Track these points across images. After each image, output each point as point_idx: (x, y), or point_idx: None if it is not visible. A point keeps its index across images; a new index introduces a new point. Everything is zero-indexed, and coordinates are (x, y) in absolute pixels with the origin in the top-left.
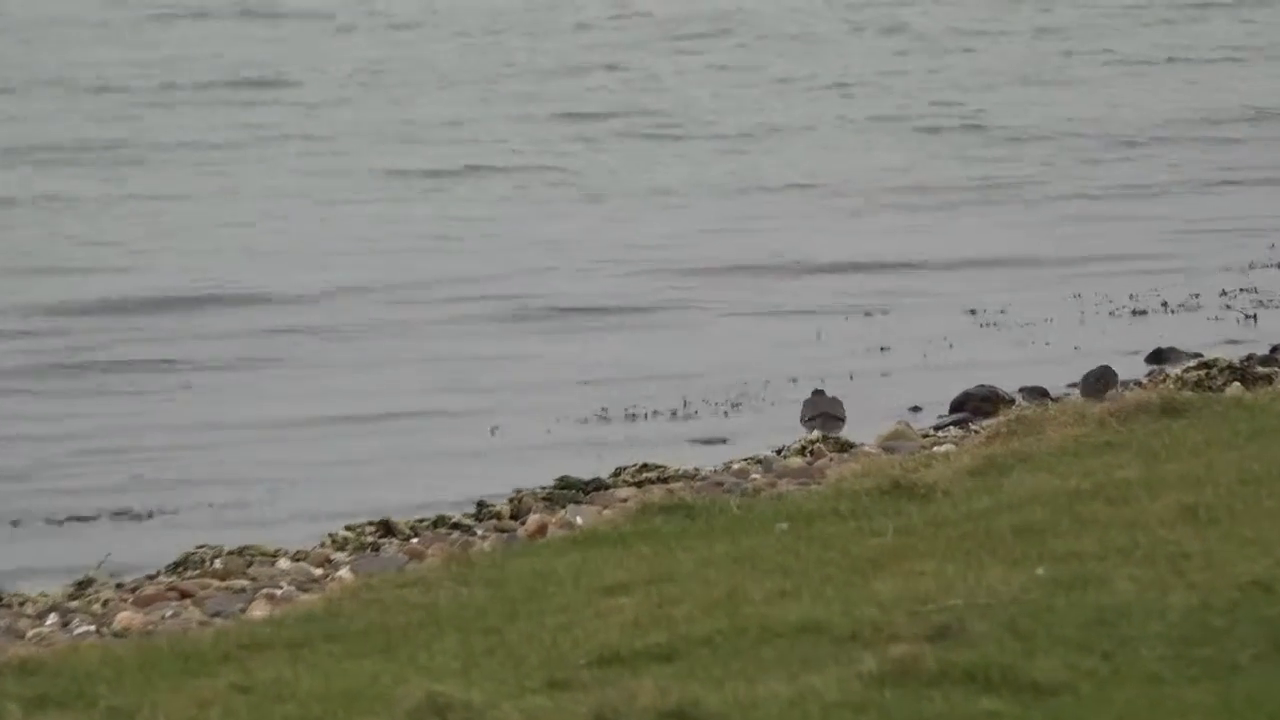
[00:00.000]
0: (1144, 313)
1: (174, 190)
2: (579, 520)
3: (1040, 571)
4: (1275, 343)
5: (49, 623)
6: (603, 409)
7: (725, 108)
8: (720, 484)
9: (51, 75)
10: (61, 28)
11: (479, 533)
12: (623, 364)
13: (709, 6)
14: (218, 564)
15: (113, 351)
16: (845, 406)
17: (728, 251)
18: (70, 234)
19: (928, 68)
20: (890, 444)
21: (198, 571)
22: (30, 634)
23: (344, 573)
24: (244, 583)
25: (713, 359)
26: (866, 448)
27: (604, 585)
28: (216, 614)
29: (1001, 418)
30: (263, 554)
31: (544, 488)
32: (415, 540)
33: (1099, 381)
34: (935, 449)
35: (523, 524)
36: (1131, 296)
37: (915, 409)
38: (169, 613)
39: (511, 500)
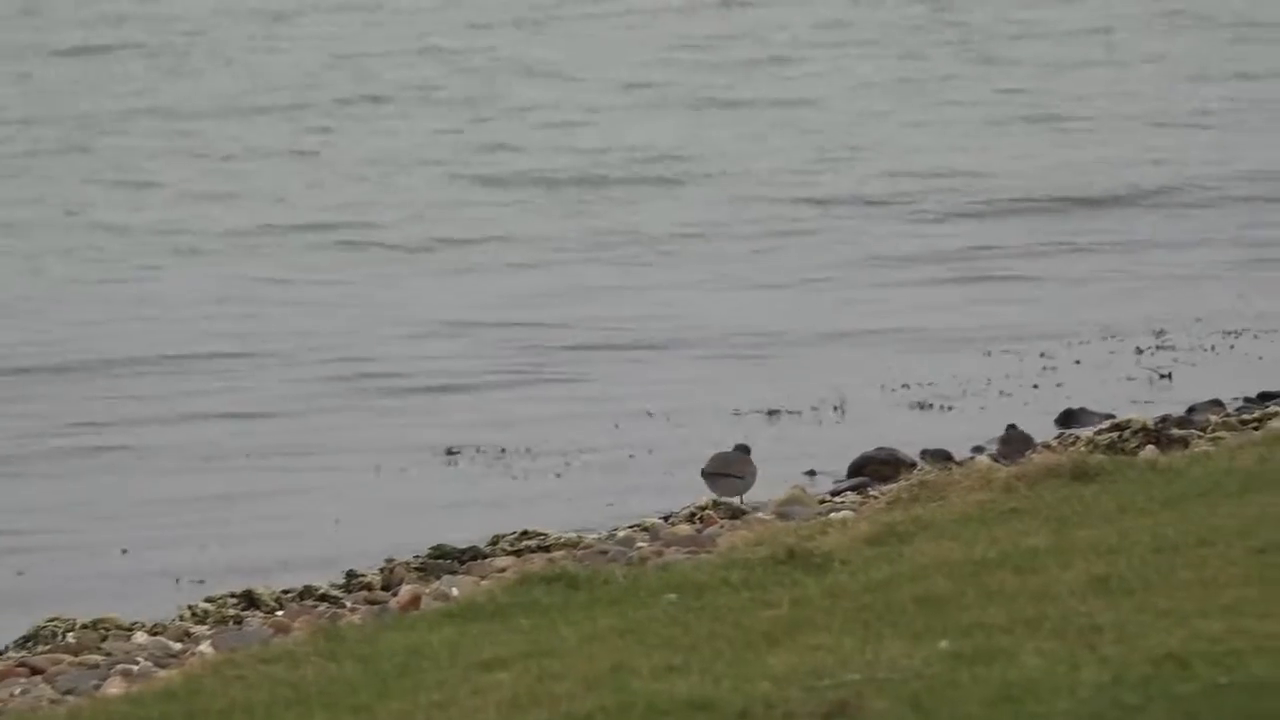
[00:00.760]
0: (1054, 370)
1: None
2: (455, 591)
3: (943, 645)
4: (1191, 403)
5: None
6: (480, 475)
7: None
8: (604, 553)
9: None
10: None
11: (348, 604)
12: (502, 429)
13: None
14: (70, 638)
15: None
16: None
17: (607, 313)
18: None
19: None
20: (785, 510)
21: (49, 646)
22: None
23: (205, 647)
24: (98, 658)
25: (597, 425)
26: (760, 514)
27: (481, 660)
28: (69, 691)
29: (902, 482)
30: (118, 627)
31: (417, 556)
32: (280, 612)
33: (1019, 441)
34: (832, 515)
35: (395, 595)
36: (1041, 355)
37: (811, 473)
38: (18, 690)
39: (383, 570)
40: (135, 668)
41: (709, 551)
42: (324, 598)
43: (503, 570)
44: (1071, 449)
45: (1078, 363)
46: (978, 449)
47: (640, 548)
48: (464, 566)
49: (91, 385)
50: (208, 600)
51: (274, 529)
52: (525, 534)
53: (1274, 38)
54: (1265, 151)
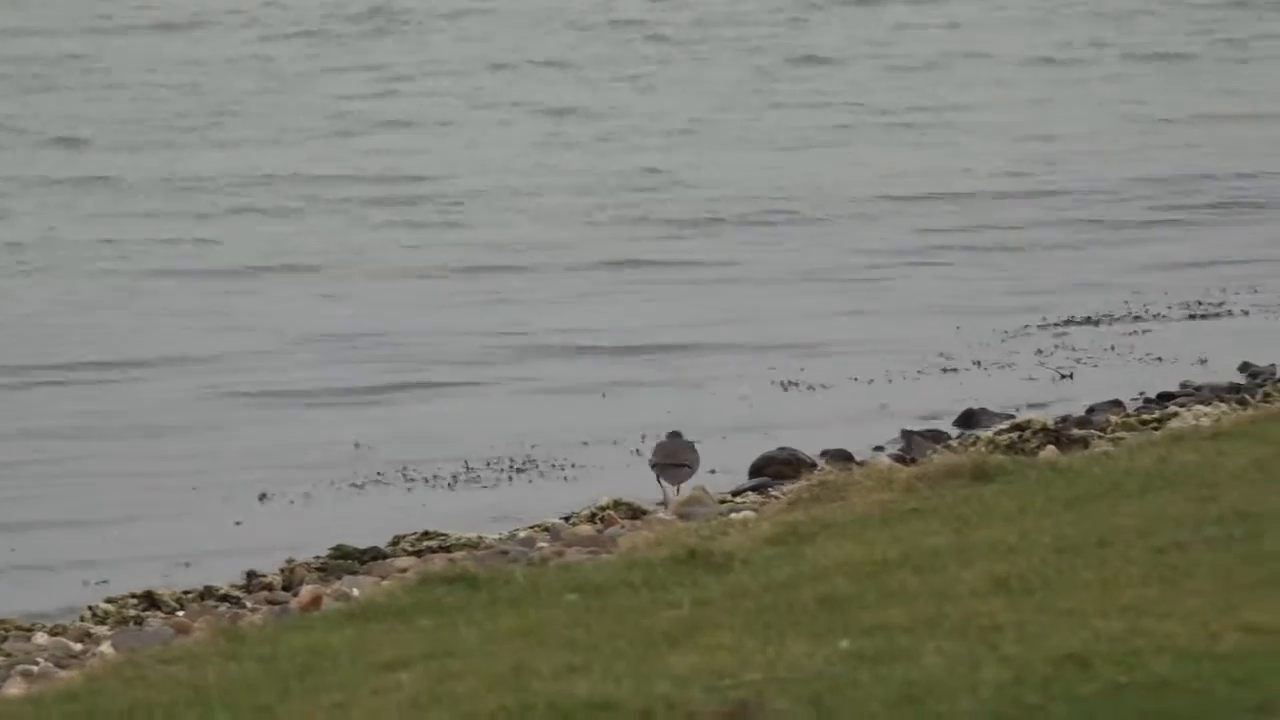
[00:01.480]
0: (954, 371)
1: None
2: (355, 592)
3: (845, 645)
4: (1091, 404)
5: None
6: (379, 474)
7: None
8: (505, 553)
9: None
10: None
11: (249, 605)
12: (400, 430)
13: None
14: None
15: None
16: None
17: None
18: None
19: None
20: (686, 510)
21: None
22: None
23: (105, 648)
24: None
25: (497, 426)
26: (660, 514)
27: (382, 661)
28: None
29: (803, 482)
30: (18, 628)
31: (318, 557)
32: (181, 613)
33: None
34: (733, 515)
35: (295, 595)
36: (941, 354)
37: (712, 473)
38: None
39: (283, 570)
40: (35, 668)
41: (610, 552)
42: (225, 598)
43: (404, 570)
44: (972, 449)
45: (977, 364)
46: (878, 449)
47: (541, 548)
48: (365, 567)
49: None
50: (108, 601)
51: (174, 530)
52: (426, 534)
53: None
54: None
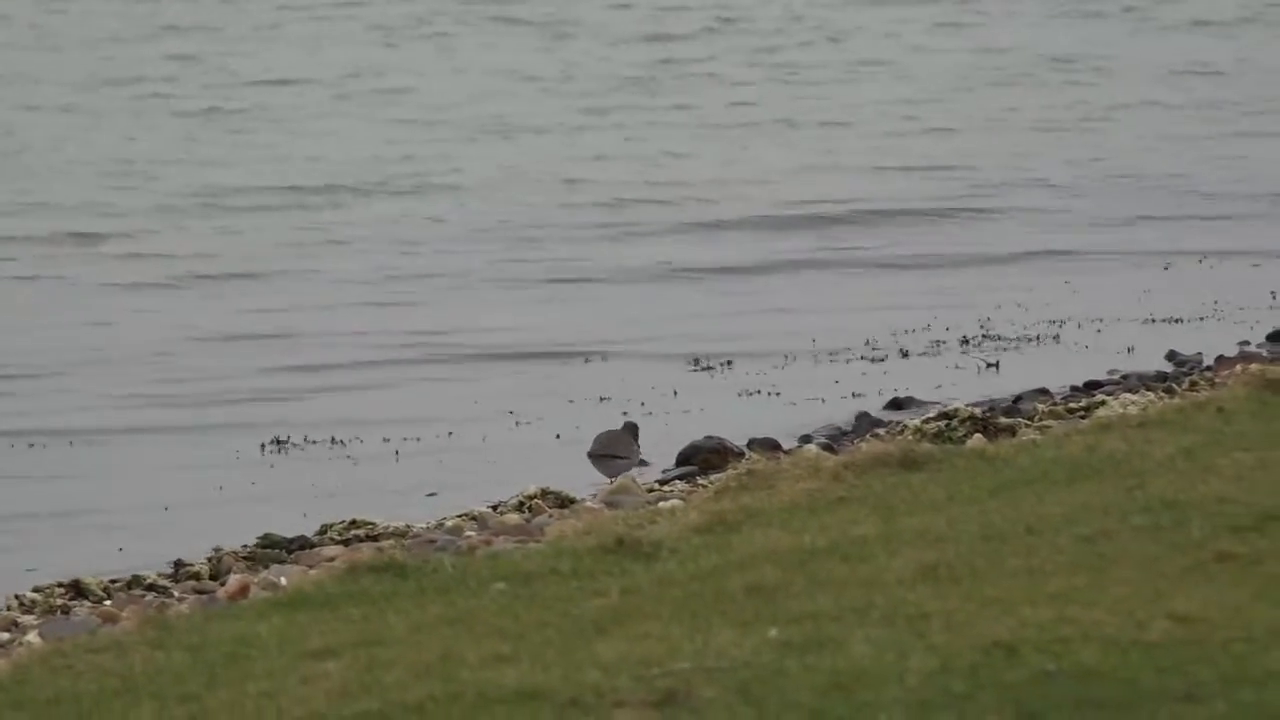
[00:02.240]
0: (882, 359)
1: None
2: (283, 581)
3: (773, 633)
4: (1018, 392)
5: None
6: (308, 465)
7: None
8: (433, 542)
9: None
10: None
11: (176, 594)
12: (328, 421)
13: None
14: None
15: None
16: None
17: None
18: None
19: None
20: (613, 499)
21: None
22: None
23: (32, 637)
24: None
25: (424, 417)
26: (588, 503)
27: (310, 650)
28: None
29: (731, 471)
30: None
31: (245, 546)
32: (108, 602)
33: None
34: (661, 504)
35: (223, 584)
36: (868, 343)
37: (640, 462)
38: None
39: (210, 559)
40: None
41: (538, 540)
42: (152, 587)
43: (331, 559)
44: (899, 438)
45: (904, 353)
46: (805, 438)
47: (469, 537)
48: (292, 556)
49: None
50: (35, 590)
51: (101, 518)
52: (353, 523)
53: None
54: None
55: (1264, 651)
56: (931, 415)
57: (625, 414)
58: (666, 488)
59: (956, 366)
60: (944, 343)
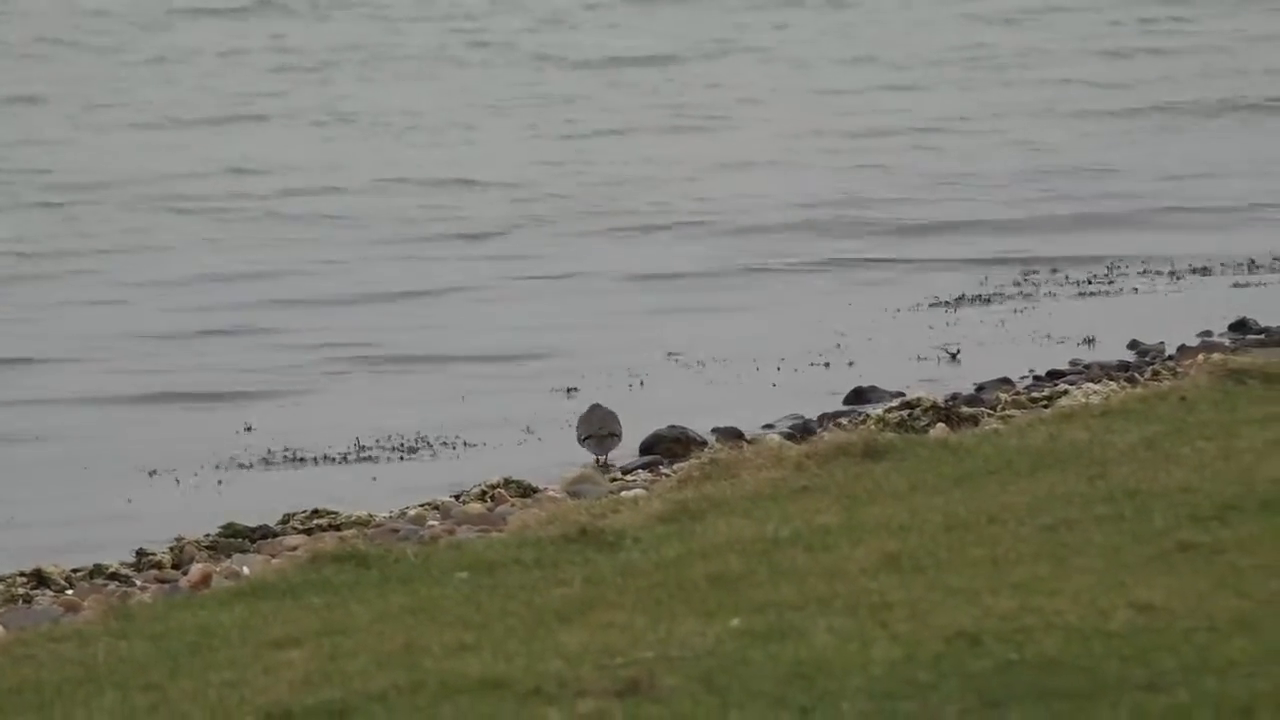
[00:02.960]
0: (844, 349)
1: None
2: (246, 570)
3: (735, 622)
4: (980, 381)
5: None
6: (269, 451)
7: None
8: (396, 531)
9: None
10: None
11: (139, 583)
12: (291, 412)
13: None
14: None
15: None
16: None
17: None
18: None
19: None
20: (576, 488)
21: None
22: None
23: None
24: None
25: (386, 408)
26: (551, 492)
27: (272, 639)
28: None
29: (694, 460)
30: None
31: (208, 535)
32: (70, 591)
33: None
34: (624, 494)
35: (185, 574)
36: (832, 332)
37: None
38: None
39: (173, 548)
40: None
41: (500, 530)
42: (114, 576)
43: (294, 549)
44: (862, 427)
45: (868, 341)
46: (768, 427)
47: (432, 526)
48: (255, 545)
49: None
50: None
51: (63, 508)
52: (316, 512)
53: None
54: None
55: (1226, 640)
56: (894, 405)
57: (592, 404)
58: (629, 477)
59: (919, 356)
60: (907, 332)
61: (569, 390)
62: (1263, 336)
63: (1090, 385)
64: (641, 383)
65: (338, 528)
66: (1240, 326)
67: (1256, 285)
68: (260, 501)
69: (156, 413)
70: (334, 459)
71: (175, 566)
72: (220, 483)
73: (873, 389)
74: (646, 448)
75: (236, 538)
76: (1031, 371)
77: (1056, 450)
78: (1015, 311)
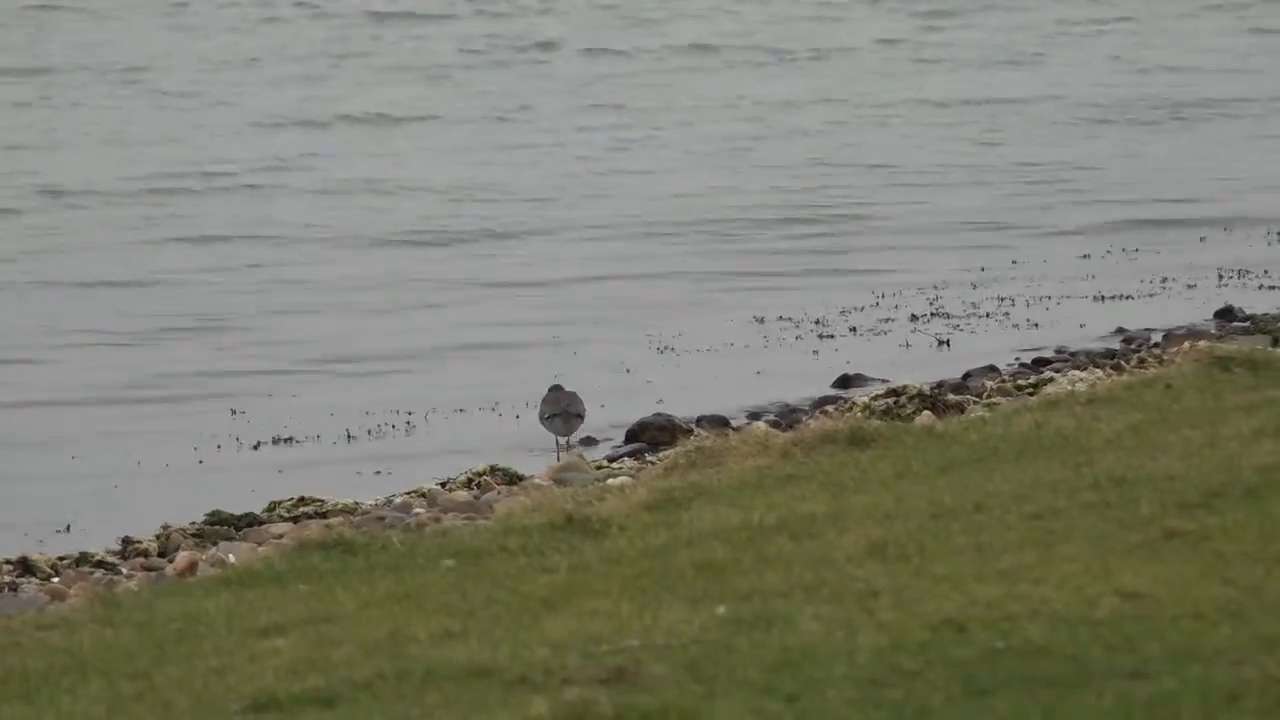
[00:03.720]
0: (830, 337)
1: None
2: (231, 558)
3: (721, 610)
4: (967, 369)
5: None
6: (255, 439)
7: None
8: (382, 519)
9: None
10: None
11: (124, 571)
12: (277, 399)
13: None
14: None
15: None
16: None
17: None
18: None
19: None
20: (562, 476)
21: None
22: None
23: None
24: None
25: (372, 396)
26: (537, 480)
27: (259, 626)
28: None
29: (680, 448)
30: None
31: (194, 523)
32: (56, 579)
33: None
34: (610, 481)
35: (171, 561)
36: (818, 321)
37: (588, 440)
38: None
39: (159, 536)
40: None
41: (487, 518)
42: (100, 564)
43: (280, 536)
44: (848, 415)
45: (854, 329)
46: (754, 415)
47: (418, 514)
48: (241, 533)
49: None
50: None
51: (49, 495)
52: (302, 500)
53: None
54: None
55: (1212, 628)
56: (880, 392)
57: (552, 385)
58: (615, 465)
59: (906, 344)
60: (893, 320)
61: (555, 378)
62: (1248, 324)
63: (1076, 373)
64: (628, 370)
65: (324, 515)
66: (1226, 314)
67: (1242, 275)
68: (246, 489)
69: (142, 396)
70: (320, 446)
71: (161, 554)
72: (206, 470)
73: (859, 376)
74: (632, 435)
75: (222, 525)
76: (1018, 359)
77: (1042, 438)
78: (1001, 299)
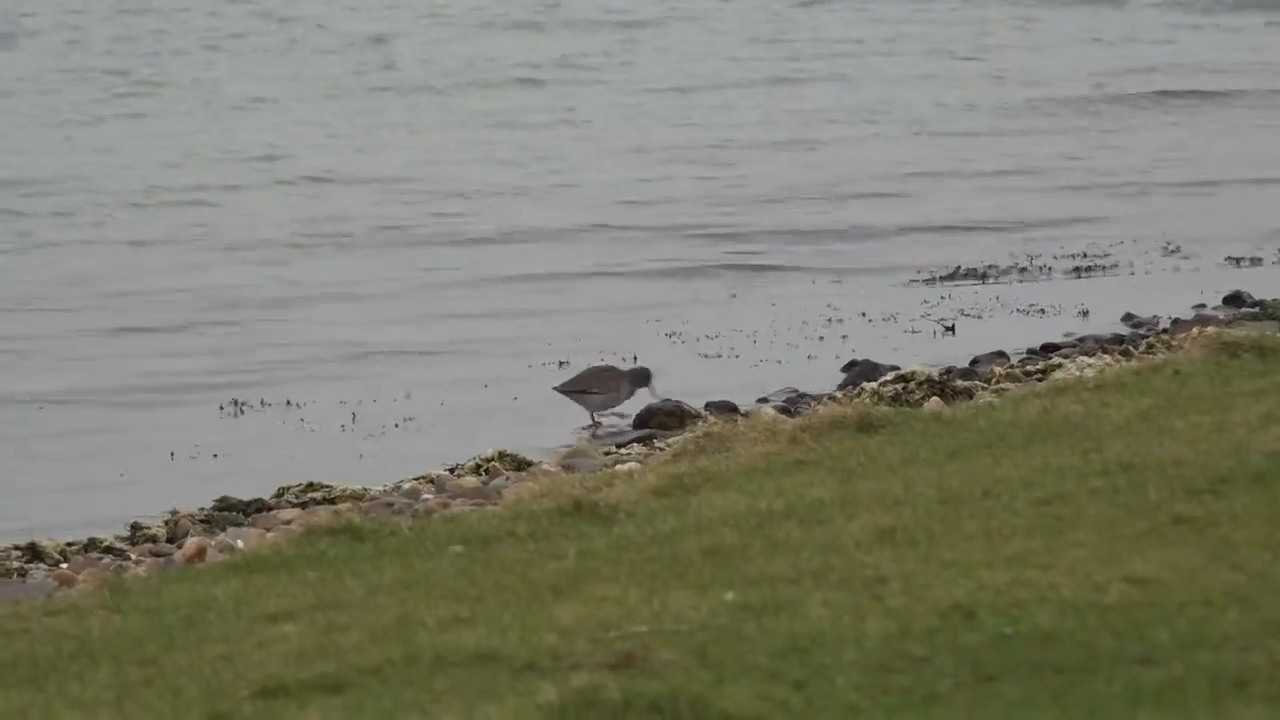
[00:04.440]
0: (839, 323)
1: None
2: (240, 543)
3: (730, 596)
4: (975, 355)
5: None
6: (265, 427)
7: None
8: (390, 504)
9: None
10: None
11: (133, 557)
12: (286, 383)
13: None
14: None
15: None
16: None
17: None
18: None
19: None
20: (570, 462)
21: None
22: None
23: None
24: None
25: (380, 381)
26: (545, 465)
27: (267, 613)
28: None
29: (688, 434)
30: None
31: (202, 509)
32: (65, 565)
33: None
34: (618, 467)
35: (180, 547)
36: (827, 306)
37: (596, 426)
38: None
39: (167, 522)
40: None
41: (495, 503)
42: (109, 550)
43: (288, 522)
44: (857, 400)
45: (863, 315)
46: (762, 400)
47: (426, 499)
48: (249, 519)
49: None
50: None
51: (58, 481)
52: (310, 486)
53: None
54: None
55: (1220, 614)
56: (888, 378)
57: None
58: (624, 450)
59: (913, 330)
60: (902, 305)
61: (560, 364)
62: (1257, 310)
63: (1085, 359)
64: (635, 358)
65: (332, 501)
66: (1234, 300)
67: (1251, 260)
68: (254, 475)
69: (150, 381)
70: (328, 432)
71: (170, 540)
72: (215, 456)
73: (868, 362)
74: (641, 421)
75: (231, 511)
76: (1026, 346)
77: (1051, 424)
78: (1010, 285)
